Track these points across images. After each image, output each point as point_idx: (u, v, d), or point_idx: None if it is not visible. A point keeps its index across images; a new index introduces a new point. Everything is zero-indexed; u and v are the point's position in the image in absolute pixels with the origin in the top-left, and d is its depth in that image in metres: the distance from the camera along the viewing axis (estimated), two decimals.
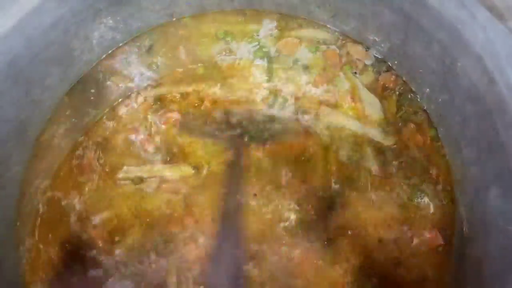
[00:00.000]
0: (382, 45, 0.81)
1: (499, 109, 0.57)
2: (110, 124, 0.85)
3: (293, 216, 0.75)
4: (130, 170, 0.80)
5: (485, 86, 0.59)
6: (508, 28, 0.57)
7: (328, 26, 0.87)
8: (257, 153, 0.79)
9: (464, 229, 0.71)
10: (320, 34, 0.88)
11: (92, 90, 0.87)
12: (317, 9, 0.84)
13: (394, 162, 0.78)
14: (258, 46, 0.88)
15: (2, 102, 0.70)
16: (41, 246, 0.77)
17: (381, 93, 0.82)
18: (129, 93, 0.87)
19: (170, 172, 0.79)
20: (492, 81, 0.57)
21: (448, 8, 0.62)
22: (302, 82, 0.84)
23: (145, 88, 0.86)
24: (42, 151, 0.82)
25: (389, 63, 0.83)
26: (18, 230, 0.77)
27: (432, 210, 0.75)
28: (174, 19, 0.88)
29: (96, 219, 0.77)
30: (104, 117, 0.86)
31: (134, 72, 0.88)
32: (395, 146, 0.79)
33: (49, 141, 0.83)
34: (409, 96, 0.81)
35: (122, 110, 0.86)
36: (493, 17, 0.59)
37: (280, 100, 0.83)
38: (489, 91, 0.59)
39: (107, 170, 0.81)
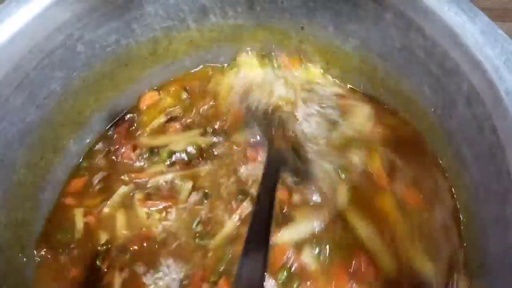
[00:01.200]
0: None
1: (499, 114, 0.57)
2: None
3: None
4: None
5: (484, 90, 0.60)
6: (506, 33, 0.58)
7: None
8: None
9: None
10: None
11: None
12: None
13: None
14: None
15: (7, 106, 0.71)
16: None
17: None
18: None
19: None
20: (491, 85, 0.58)
21: (447, 13, 0.63)
22: None
23: None
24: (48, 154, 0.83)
25: (387, 68, 0.83)
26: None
27: None
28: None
29: None
30: None
31: None
32: None
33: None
34: None
35: None
36: (491, 21, 0.59)
37: None
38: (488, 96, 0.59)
39: None
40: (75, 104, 0.86)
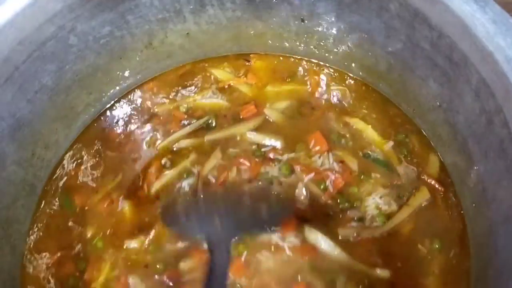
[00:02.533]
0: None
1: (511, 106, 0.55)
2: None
3: None
4: None
5: (495, 82, 0.57)
6: None
7: None
8: None
9: None
10: None
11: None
12: None
13: None
14: None
15: None
16: None
17: None
18: None
19: None
20: (502, 77, 0.55)
21: (456, 2, 0.60)
22: None
23: None
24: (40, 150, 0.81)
25: (391, 61, 0.81)
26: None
27: None
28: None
29: None
30: None
31: None
32: None
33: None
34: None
35: None
36: (503, 10, 0.57)
37: None
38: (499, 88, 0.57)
39: None
40: (68, 99, 0.83)
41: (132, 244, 0.75)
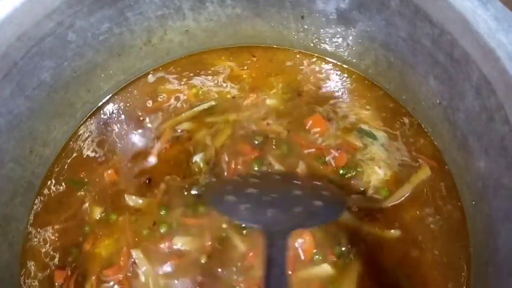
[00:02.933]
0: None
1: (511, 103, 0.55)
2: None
3: None
4: None
5: (496, 79, 0.57)
6: None
7: None
8: None
9: None
10: None
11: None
12: None
13: None
14: None
15: None
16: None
17: None
18: None
19: None
20: (504, 74, 0.55)
21: None
22: None
23: None
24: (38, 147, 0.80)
25: (391, 58, 0.80)
26: None
27: None
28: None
29: None
30: None
31: None
32: None
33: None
34: None
35: None
36: (505, 7, 0.56)
37: None
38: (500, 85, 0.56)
39: None
40: (66, 95, 0.82)
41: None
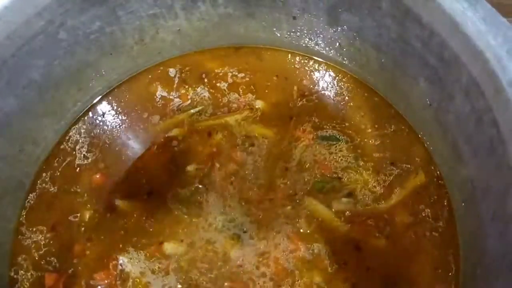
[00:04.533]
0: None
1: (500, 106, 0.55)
2: None
3: None
4: None
5: (484, 81, 0.57)
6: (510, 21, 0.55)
7: None
8: None
9: None
10: None
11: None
12: None
13: None
14: None
15: None
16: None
17: None
18: None
19: None
20: (492, 76, 0.55)
21: (447, 0, 0.60)
22: None
23: None
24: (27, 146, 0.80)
25: (382, 59, 0.80)
26: None
27: None
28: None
29: None
30: None
31: None
32: None
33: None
34: None
35: None
36: (493, 9, 0.57)
37: None
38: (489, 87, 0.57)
39: None
40: (57, 94, 0.82)
41: None
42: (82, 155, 0.84)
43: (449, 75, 0.65)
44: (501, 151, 0.56)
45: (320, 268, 0.71)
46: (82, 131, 0.87)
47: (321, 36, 0.86)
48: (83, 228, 0.77)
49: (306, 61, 0.92)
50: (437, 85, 0.70)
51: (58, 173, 0.83)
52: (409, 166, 0.79)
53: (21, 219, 0.79)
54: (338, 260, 0.72)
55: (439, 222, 0.74)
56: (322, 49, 0.89)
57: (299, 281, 0.70)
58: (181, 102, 0.89)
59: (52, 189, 0.81)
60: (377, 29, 0.75)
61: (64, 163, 0.84)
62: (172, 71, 0.93)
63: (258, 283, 0.70)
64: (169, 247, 0.74)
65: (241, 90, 0.89)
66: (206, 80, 0.91)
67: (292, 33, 0.89)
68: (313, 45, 0.89)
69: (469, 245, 0.69)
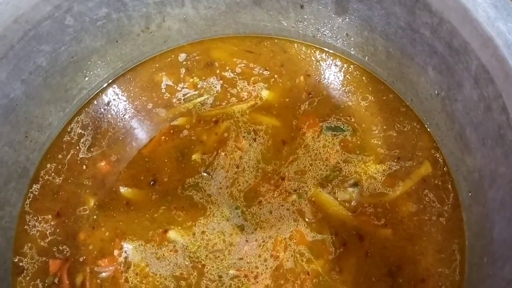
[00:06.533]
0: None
1: (510, 92, 0.55)
2: None
3: None
4: None
5: (494, 67, 0.57)
6: None
7: None
8: None
9: None
10: None
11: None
12: None
13: None
14: None
15: None
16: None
17: None
18: None
19: None
20: (502, 62, 0.55)
21: None
22: None
23: None
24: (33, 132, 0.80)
25: (390, 48, 0.80)
26: None
27: None
28: None
29: None
30: None
31: None
32: None
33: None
34: None
35: None
36: None
37: None
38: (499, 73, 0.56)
39: None
40: (63, 81, 0.82)
41: None
42: (86, 143, 0.84)
43: (458, 63, 0.65)
44: (510, 137, 0.56)
45: (324, 256, 0.71)
46: (87, 118, 0.87)
47: (329, 25, 0.86)
48: (88, 216, 0.77)
49: (313, 51, 0.91)
50: (445, 73, 0.70)
51: (63, 162, 0.83)
52: (415, 156, 0.79)
53: (26, 208, 0.79)
54: (342, 247, 0.71)
55: (444, 212, 0.74)
56: (329, 39, 0.89)
57: (303, 269, 0.70)
58: (187, 92, 0.88)
59: (57, 178, 0.81)
60: (386, 17, 0.75)
61: (69, 152, 0.84)
62: (178, 60, 0.93)
63: (262, 270, 0.70)
64: (173, 234, 0.74)
65: (247, 80, 0.89)
66: (212, 69, 0.91)
67: (299, 22, 0.88)
68: (320, 34, 0.89)
69: (475, 235, 0.69)
